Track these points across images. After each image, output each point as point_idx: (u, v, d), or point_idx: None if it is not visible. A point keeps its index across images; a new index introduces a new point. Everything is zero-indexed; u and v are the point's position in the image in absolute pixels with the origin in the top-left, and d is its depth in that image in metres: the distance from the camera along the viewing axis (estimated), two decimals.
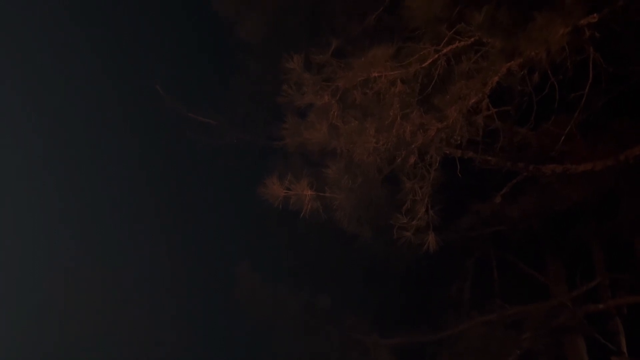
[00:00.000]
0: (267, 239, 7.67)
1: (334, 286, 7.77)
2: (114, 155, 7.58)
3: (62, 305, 7.21)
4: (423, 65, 4.15)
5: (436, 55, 4.18)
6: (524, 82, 4.07)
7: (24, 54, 7.30)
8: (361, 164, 4.23)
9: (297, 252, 7.82)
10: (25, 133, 7.39)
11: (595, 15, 3.97)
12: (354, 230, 4.74)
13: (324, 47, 4.85)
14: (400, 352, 7.64)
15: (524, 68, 4.04)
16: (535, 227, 7.28)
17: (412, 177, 4.28)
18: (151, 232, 7.70)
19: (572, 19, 3.87)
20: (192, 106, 7.15)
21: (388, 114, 3.98)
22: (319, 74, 4.45)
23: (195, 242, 7.83)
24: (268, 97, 6.74)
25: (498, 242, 7.79)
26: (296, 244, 7.76)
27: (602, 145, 5.70)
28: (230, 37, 7.00)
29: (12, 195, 7.29)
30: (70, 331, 7.20)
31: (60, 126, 7.46)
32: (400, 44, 4.36)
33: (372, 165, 4.21)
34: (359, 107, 4.24)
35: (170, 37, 7.41)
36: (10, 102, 7.32)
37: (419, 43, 4.25)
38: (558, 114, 4.85)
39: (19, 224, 7.31)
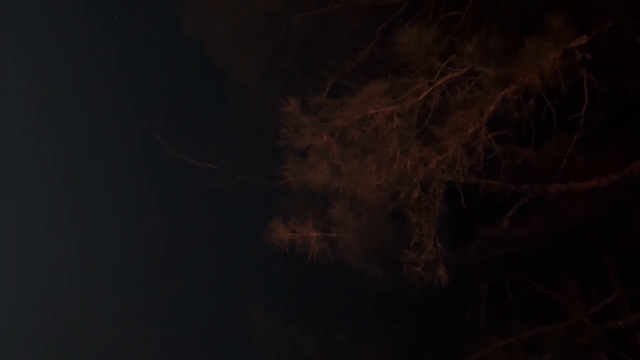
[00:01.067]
0: (278, 279, 7.63)
1: (348, 322, 7.70)
2: (120, 211, 7.62)
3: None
4: (418, 99, 4.18)
5: (430, 88, 4.21)
6: (521, 108, 4.08)
7: (25, 111, 7.37)
8: (365, 202, 4.22)
9: (309, 290, 7.77)
10: (30, 189, 7.42)
11: (584, 36, 4.00)
12: (362, 268, 4.70)
13: (320, 86, 4.90)
14: None
15: (519, 94, 4.05)
16: (546, 246, 7.22)
17: (417, 211, 4.27)
18: (163, 282, 7.68)
19: (562, 42, 3.91)
20: (192, 153, 7.18)
21: (387, 150, 3.99)
22: (316, 115, 4.47)
23: (206, 286, 7.82)
24: (268, 137, 6.79)
25: (510, 264, 7.72)
26: (307, 282, 7.72)
27: (605, 161, 5.70)
28: (225, 82, 7.09)
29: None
30: None
31: (64, 189, 7.50)
32: (394, 79, 4.40)
33: (376, 202, 4.21)
34: (358, 144, 4.26)
35: (165, 86, 7.50)
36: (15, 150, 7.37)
37: (413, 77, 4.28)
38: (558, 134, 4.86)
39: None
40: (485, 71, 4.08)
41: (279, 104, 5.05)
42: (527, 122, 4.68)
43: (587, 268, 7.62)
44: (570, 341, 7.30)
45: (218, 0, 6.30)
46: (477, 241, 7.21)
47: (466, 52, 4.14)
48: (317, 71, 6.06)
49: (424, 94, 4.20)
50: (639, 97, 5.55)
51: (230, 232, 7.78)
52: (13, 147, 7.36)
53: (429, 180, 4.14)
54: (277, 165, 5.91)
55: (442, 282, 4.30)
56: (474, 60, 4.05)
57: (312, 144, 4.34)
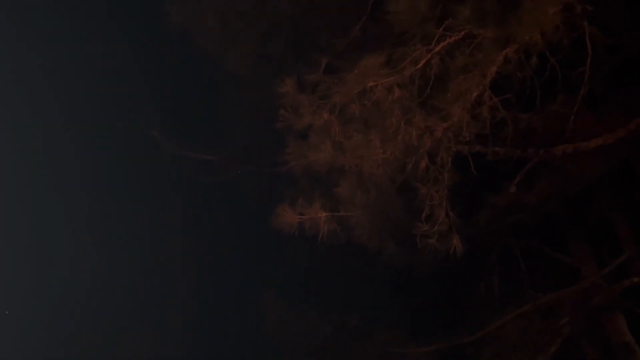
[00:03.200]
0: (289, 265, 7.57)
1: (362, 303, 7.66)
2: (126, 211, 7.57)
3: None
4: (417, 67, 4.07)
5: (429, 55, 4.11)
6: (523, 68, 3.97)
7: (24, 109, 7.31)
8: (372, 177, 4.13)
9: (320, 274, 7.72)
10: (28, 185, 7.36)
11: None
12: (375, 245, 4.62)
13: (314, 67, 4.79)
14: (441, 357, 7.47)
15: (521, 53, 3.94)
16: (555, 210, 7.15)
17: (426, 182, 4.17)
18: (172, 277, 7.64)
19: None
20: (190, 146, 7.10)
21: (391, 122, 3.89)
22: (314, 93, 4.36)
23: (216, 279, 7.78)
24: (265, 125, 6.70)
25: (519, 232, 7.66)
26: (318, 266, 7.67)
27: (610, 118, 5.60)
28: (217, 71, 6.99)
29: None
30: None
31: (63, 188, 7.45)
32: (390, 50, 4.28)
33: (383, 176, 4.11)
34: (360, 119, 4.16)
35: (158, 81, 7.40)
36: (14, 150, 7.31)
37: (410, 46, 4.16)
38: (562, 93, 4.76)
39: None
40: (483, 33, 3.97)
41: (273, 89, 4.95)
42: (529, 85, 4.59)
43: (597, 229, 7.56)
44: (586, 303, 7.25)
45: None
46: (485, 211, 7.14)
47: (462, 15, 4.02)
48: (309, 53, 5.94)
49: (423, 61, 4.09)
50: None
51: (236, 223, 7.72)
52: (11, 147, 7.28)
53: (436, 150, 4.04)
54: (278, 152, 5.83)
55: (456, 251, 4.22)
56: (471, 22, 3.94)
57: (313, 123, 4.23)
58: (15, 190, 7.36)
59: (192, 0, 6.71)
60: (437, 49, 4.13)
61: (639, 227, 7.35)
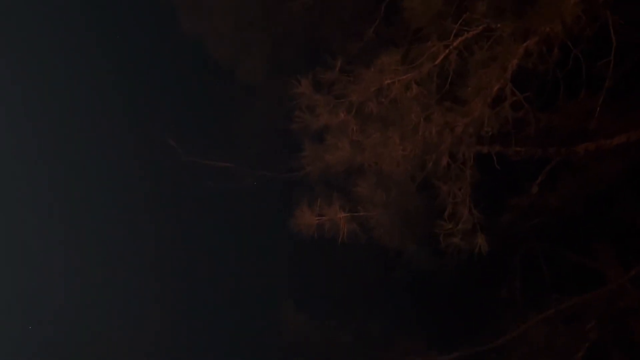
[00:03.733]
0: (307, 273, 7.50)
1: (382, 310, 7.55)
2: (142, 219, 7.56)
3: None
4: (435, 63, 3.99)
5: (447, 51, 4.03)
6: (545, 61, 3.87)
7: (33, 117, 7.35)
8: (391, 176, 4.04)
9: (339, 282, 7.65)
10: (39, 194, 7.38)
11: None
12: (396, 246, 4.52)
13: (329, 68, 4.73)
14: None
15: (542, 45, 3.85)
16: (577, 211, 7.00)
17: (447, 180, 4.07)
18: (189, 286, 7.61)
19: None
20: (206, 154, 7.09)
21: (410, 119, 3.81)
22: (330, 93, 4.30)
23: (234, 288, 7.71)
24: (280, 131, 6.67)
25: (541, 234, 7.51)
26: (336, 274, 7.60)
27: (633, 114, 5.48)
28: (231, 78, 6.99)
29: None
30: None
31: (79, 196, 7.46)
32: (407, 47, 4.20)
33: (403, 174, 4.02)
34: (377, 118, 4.08)
35: (174, 90, 7.42)
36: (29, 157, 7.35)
37: (427, 42, 4.08)
38: (584, 88, 4.65)
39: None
40: (502, 27, 3.88)
41: (287, 93, 4.91)
42: (551, 79, 4.49)
43: (622, 230, 7.40)
44: (613, 307, 7.08)
45: None
46: (506, 213, 7.02)
47: (479, 9, 3.94)
48: (323, 58, 5.90)
49: (441, 57, 4.01)
50: None
51: (253, 230, 7.67)
52: (24, 155, 7.32)
53: (457, 147, 3.94)
54: (294, 158, 5.78)
55: (481, 250, 4.10)
56: (488, 16, 3.85)
57: (329, 123, 4.16)
58: (32, 198, 7.39)
59: (204, 9, 6.72)
60: (454, 44, 4.05)
61: None
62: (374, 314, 7.46)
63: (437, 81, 4.07)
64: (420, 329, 7.44)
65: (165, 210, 7.56)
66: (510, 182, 6.33)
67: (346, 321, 7.43)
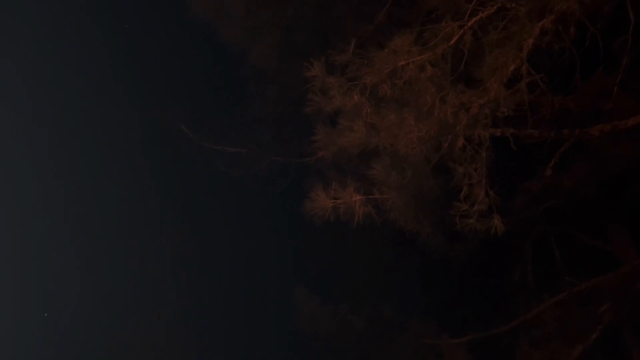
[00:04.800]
0: (319, 258, 7.51)
1: (394, 294, 7.56)
2: (155, 204, 7.59)
3: None
4: (449, 43, 3.95)
5: (461, 31, 3.98)
6: (562, 39, 3.83)
7: (49, 107, 7.39)
8: (407, 157, 4.02)
9: (351, 266, 7.66)
10: (51, 181, 7.40)
11: None
12: (411, 228, 4.51)
13: (342, 50, 4.70)
14: (476, 348, 7.34)
15: (558, 24, 3.80)
16: (591, 194, 6.96)
17: (463, 161, 4.05)
18: (201, 270, 7.64)
19: None
20: (218, 139, 7.09)
21: (424, 100, 3.78)
22: (343, 75, 4.27)
23: (247, 272, 7.74)
24: (291, 116, 6.66)
25: (554, 218, 7.48)
26: (348, 258, 7.61)
27: None
28: (242, 63, 6.97)
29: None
30: None
31: (91, 183, 7.50)
32: (420, 28, 4.17)
33: (419, 156, 4.00)
34: (392, 100, 4.05)
35: (186, 76, 7.41)
36: (38, 151, 7.38)
37: (441, 23, 4.04)
38: (599, 69, 4.59)
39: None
40: (517, 6, 3.84)
41: (300, 77, 4.88)
42: (568, 58, 4.43)
43: (635, 212, 7.36)
44: (627, 289, 7.06)
45: None
46: (519, 196, 6.99)
47: None
48: (335, 42, 5.86)
49: (455, 37, 3.97)
50: None
51: (265, 215, 7.68)
52: (37, 144, 7.36)
53: (472, 128, 3.92)
54: (306, 143, 5.78)
55: (497, 231, 4.09)
56: None
57: (343, 105, 4.14)
58: (46, 186, 7.43)
59: None
60: (469, 24, 4.01)
61: None
62: (386, 297, 7.47)
63: (452, 62, 4.03)
64: (432, 312, 7.46)
65: (178, 195, 7.59)
66: (523, 165, 6.29)
67: (358, 305, 7.44)
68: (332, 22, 6.54)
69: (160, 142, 7.34)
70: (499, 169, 4.82)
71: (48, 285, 7.36)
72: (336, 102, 4.20)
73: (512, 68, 3.83)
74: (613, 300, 6.96)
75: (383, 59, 4.03)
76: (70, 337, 7.25)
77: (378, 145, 4.16)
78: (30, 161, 7.43)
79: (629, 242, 7.50)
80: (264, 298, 7.70)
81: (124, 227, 7.69)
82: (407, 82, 3.99)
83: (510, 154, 5.00)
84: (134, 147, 7.45)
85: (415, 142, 3.86)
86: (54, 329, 7.35)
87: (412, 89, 3.88)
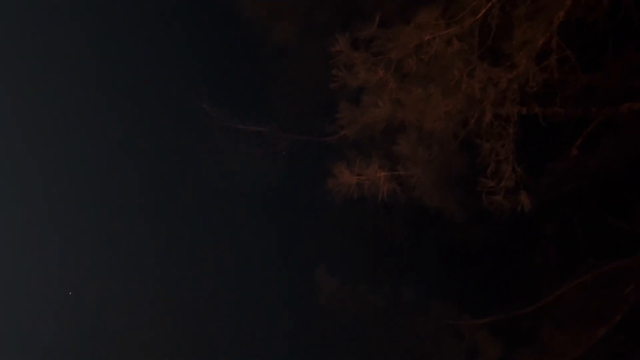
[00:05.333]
0: (340, 238, 7.50)
1: (415, 275, 7.54)
2: (176, 183, 7.62)
3: None
4: (477, 17, 3.86)
5: (489, 4, 3.88)
6: (594, 11, 3.71)
7: (70, 75, 7.43)
8: (434, 133, 3.96)
9: (372, 246, 7.63)
10: (74, 162, 7.48)
11: None
12: (436, 205, 4.46)
13: (367, 23, 4.62)
14: (497, 329, 7.30)
15: None
16: (618, 175, 6.83)
17: (490, 137, 3.98)
18: (222, 250, 7.67)
19: None
20: (240, 118, 7.07)
21: (451, 75, 3.70)
22: (368, 50, 4.20)
23: (267, 254, 7.76)
24: (313, 95, 6.61)
25: (579, 199, 7.36)
26: (370, 238, 7.58)
27: None
28: (265, 44, 6.93)
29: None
30: None
31: (113, 157, 7.55)
32: (446, 2, 4.08)
33: (445, 131, 3.94)
34: (417, 75, 3.98)
35: (207, 55, 7.39)
36: (64, 124, 7.44)
37: None
38: (630, 45, 4.47)
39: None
40: None
41: (321, 57, 4.83)
42: (596, 37, 4.32)
43: None
44: None
45: None
46: (544, 177, 6.89)
47: None
48: (355, 22, 5.79)
49: (483, 10, 3.88)
50: None
51: (286, 195, 7.68)
52: (57, 122, 7.42)
53: (500, 103, 3.84)
54: (328, 121, 5.74)
55: (524, 208, 4.02)
56: None
57: (367, 81, 4.07)
58: (67, 159, 7.49)
59: None
60: None
61: None
62: (406, 278, 7.44)
63: (479, 36, 3.94)
64: (453, 293, 7.42)
65: (199, 174, 7.61)
66: (548, 144, 6.19)
67: (379, 285, 7.43)
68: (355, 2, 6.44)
69: (182, 122, 7.35)
70: (524, 148, 4.74)
71: (67, 264, 7.45)
72: (361, 77, 4.14)
73: (541, 42, 3.73)
74: (638, 282, 6.85)
75: (408, 34, 3.95)
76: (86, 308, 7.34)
77: (403, 120, 4.10)
78: (56, 142, 7.50)
79: None
80: (283, 278, 7.72)
81: (146, 206, 7.74)
82: (433, 57, 3.91)
83: (536, 133, 4.91)
84: (155, 127, 7.47)
85: (442, 118, 3.79)
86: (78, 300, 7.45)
87: (438, 64, 3.80)
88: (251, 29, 6.80)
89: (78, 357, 7.25)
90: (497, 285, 7.47)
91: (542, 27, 3.69)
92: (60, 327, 7.29)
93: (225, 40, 7.43)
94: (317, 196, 6.41)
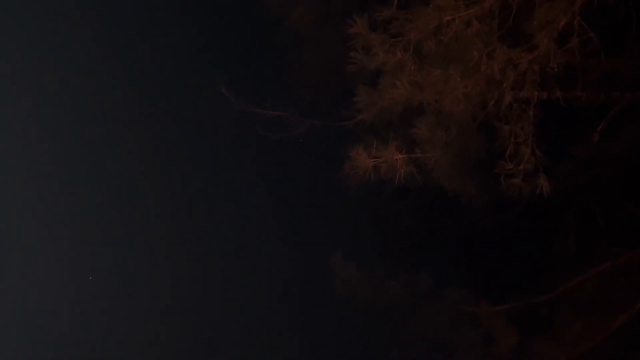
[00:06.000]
0: (356, 223, 7.49)
1: (432, 261, 7.51)
2: (195, 168, 7.67)
3: None
4: None
5: None
6: None
7: (87, 56, 7.47)
8: (452, 115, 3.93)
9: (388, 232, 7.62)
10: (92, 138, 7.52)
11: None
12: (454, 188, 4.43)
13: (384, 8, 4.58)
14: (514, 316, 7.26)
15: None
16: (638, 161, 6.72)
17: (510, 120, 3.94)
18: (239, 233, 7.72)
19: None
20: (258, 103, 7.07)
21: (471, 56, 3.66)
22: (387, 32, 4.17)
23: (283, 239, 7.77)
24: (331, 80, 6.59)
25: (599, 186, 7.27)
26: (384, 225, 7.57)
27: None
28: (282, 28, 6.91)
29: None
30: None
31: (131, 139, 7.60)
32: None
33: (465, 113, 3.90)
34: (436, 56, 3.95)
35: (225, 40, 7.39)
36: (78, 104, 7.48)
37: None
38: None
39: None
40: None
41: (339, 41, 4.80)
42: (619, 18, 4.24)
43: None
44: None
45: None
46: (563, 163, 6.81)
47: None
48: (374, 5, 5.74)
49: None
50: None
51: (303, 179, 7.68)
52: (74, 101, 7.47)
53: (520, 85, 3.79)
54: (345, 106, 5.72)
55: (543, 191, 3.98)
56: None
57: (386, 62, 4.05)
58: (81, 144, 7.54)
59: None
60: None
61: None
62: (423, 264, 7.42)
63: (500, 17, 3.89)
64: (470, 280, 7.39)
65: (216, 159, 7.64)
66: (568, 130, 6.11)
67: (395, 271, 7.42)
68: None
69: (200, 106, 7.37)
70: (544, 132, 4.69)
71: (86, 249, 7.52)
72: (379, 59, 4.12)
73: (563, 23, 3.67)
74: None
75: (428, 15, 3.92)
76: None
77: (421, 102, 4.08)
78: (74, 123, 7.56)
79: None
80: (299, 263, 7.74)
81: (162, 191, 7.78)
82: (452, 38, 3.87)
83: (556, 118, 4.85)
84: (173, 110, 7.49)
85: (461, 99, 3.75)
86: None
87: (457, 45, 3.76)
88: (269, 12, 6.79)
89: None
90: (515, 273, 7.43)
91: (564, 7, 3.63)
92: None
93: (244, 24, 7.42)
94: (333, 181, 6.41)
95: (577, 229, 7.62)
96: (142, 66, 7.60)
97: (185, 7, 7.32)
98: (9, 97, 7.18)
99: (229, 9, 7.40)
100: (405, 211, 7.30)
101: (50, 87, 7.46)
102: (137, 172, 7.69)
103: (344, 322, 7.56)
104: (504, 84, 3.77)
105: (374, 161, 4.46)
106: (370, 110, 4.84)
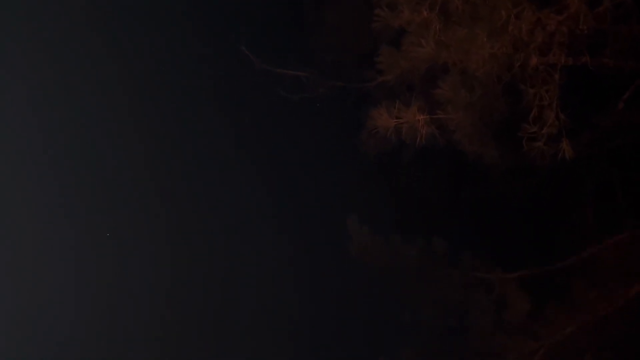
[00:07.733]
0: (372, 188, 7.49)
1: (448, 228, 7.51)
2: (213, 126, 7.66)
3: None
4: None
5: None
6: None
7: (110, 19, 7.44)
8: (477, 75, 3.87)
9: (405, 198, 7.61)
10: (113, 99, 7.52)
11: None
12: (476, 150, 4.40)
13: None
14: (528, 283, 7.27)
15: None
16: None
17: (535, 83, 3.87)
18: (254, 196, 7.74)
19: None
20: (278, 62, 7.03)
21: (499, 15, 3.58)
22: None
23: (301, 202, 7.79)
24: (353, 41, 6.51)
25: (621, 156, 7.17)
26: (402, 189, 7.55)
27: None
28: None
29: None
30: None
31: (151, 100, 7.60)
32: None
33: (490, 74, 3.84)
34: (463, 16, 3.87)
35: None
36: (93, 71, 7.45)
37: None
38: None
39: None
40: None
41: (362, 4, 4.72)
42: None
43: None
44: None
45: None
46: (586, 132, 6.71)
47: None
48: None
49: None
50: None
51: (322, 141, 7.66)
52: (97, 57, 7.45)
53: (548, 47, 3.71)
54: (367, 68, 5.67)
55: (566, 156, 3.94)
56: None
57: (411, 21, 3.98)
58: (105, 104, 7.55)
59: None
60: None
61: None
62: (439, 229, 7.42)
63: None
64: (485, 246, 7.38)
65: (237, 117, 7.62)
66: (593, 97, 6.01)
67: (411, 236, 7.43)
68: None
69: (221, 64, 7.33)
70: (568, 98, 4.61)
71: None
72: (404, 17, 4.05)
73: None
74: None
75: None
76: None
77: (446, 62, 4.02)
78: (96, 79, 7.56)
79: None
80: (315, 227, 7.76)
81: (184, 149, 7.80)
82: None
83: (581, 84, 4.76)
84: (193, 69, 7.46)
85: (487, 59, 3.69)
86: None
87: (485, 4, 3.68)
88: None
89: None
90: (531, 240, 7.42)
91: None
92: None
93: None
94: (352, 144, 6.40)
95: (596, 198, 7.57)
96: (161, 23, 7.54)
97: None
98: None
99: None
100: (423, 176, 7.28)
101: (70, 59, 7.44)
102: (154, 130, 7.70)
103: (357, 285, 7.61)
104: (532, 46, 3.70)
105: (395, 121, 4.43)
106: (393, 71, 4.80)
